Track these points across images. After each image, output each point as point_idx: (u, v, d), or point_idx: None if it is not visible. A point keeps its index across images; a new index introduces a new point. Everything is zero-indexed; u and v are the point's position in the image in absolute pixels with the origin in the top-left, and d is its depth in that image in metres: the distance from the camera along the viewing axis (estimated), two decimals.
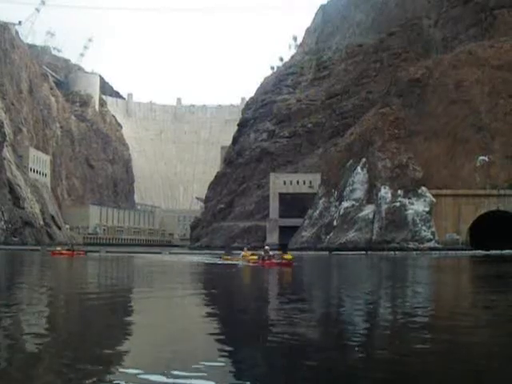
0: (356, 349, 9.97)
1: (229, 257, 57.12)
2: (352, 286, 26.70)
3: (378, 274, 40.51)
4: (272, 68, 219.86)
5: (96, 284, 26.45)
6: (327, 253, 77.28)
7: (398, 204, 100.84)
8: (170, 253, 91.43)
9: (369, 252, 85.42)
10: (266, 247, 43.35)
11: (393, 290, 23.53)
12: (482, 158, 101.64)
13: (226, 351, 9.84)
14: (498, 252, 79.18)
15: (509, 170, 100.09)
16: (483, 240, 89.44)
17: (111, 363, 8.65)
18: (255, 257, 48.89)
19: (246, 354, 9.90)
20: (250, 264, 44.21)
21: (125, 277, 33.45)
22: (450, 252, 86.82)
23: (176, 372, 7.92)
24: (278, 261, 42.26)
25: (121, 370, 8.17)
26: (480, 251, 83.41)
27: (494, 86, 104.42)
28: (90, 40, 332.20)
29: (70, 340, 11.01)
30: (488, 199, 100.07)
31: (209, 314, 14.69)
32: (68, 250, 66.72)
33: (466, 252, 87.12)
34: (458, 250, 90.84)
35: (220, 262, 50.64)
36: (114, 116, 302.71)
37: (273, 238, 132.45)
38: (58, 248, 74.87)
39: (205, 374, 7.85)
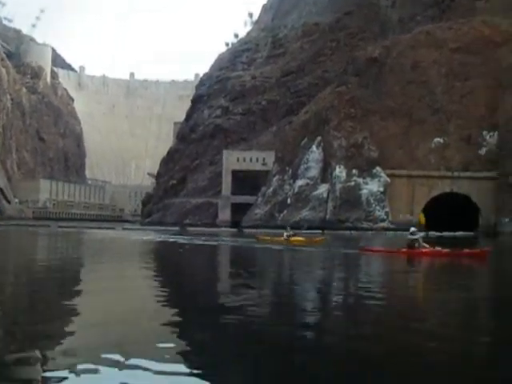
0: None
1: (267, 237, 47.93)
2: None
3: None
4: (227, 44, 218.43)
5: (52, 261, 25.23)
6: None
7: (352, 183, 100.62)
8: (124, 228, 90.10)
9: (325, 231, 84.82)
10: (413, 229, 29.58)
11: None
12: (437, 139, 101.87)
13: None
14: (451, 233, 79.38)
15: (463, 153, 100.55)
16: (436, 221, 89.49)
17: (57, 342, 8.10)
18: (301, 238, 44.84)
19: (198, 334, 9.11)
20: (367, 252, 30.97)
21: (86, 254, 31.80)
22: (404, 233, 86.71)
23: (125, 351, 7.42)
24: (454, 251, 28.71)
25: (67, 348, 7.70)
26: (434, 232, 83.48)
27: (451, 68, 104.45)
28: (42, 11, 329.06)
29: (15, 316, 10.37)
30: (442, 181, 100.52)
31: None
32: None
33: (420, 233, 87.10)
34: None
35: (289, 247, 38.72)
36: (65, 89, 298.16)
37: (225, 215, 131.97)
38: None
39: (155, 353, 7.36)
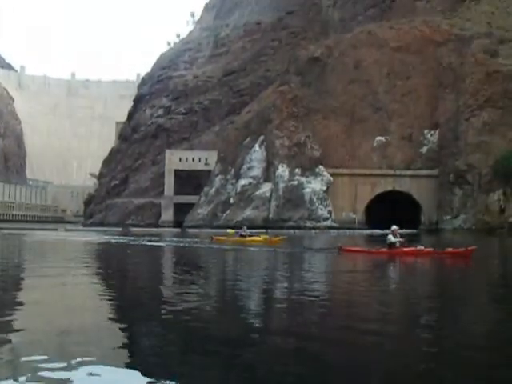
0: None
1: (223, 237, 45.11)
2: None
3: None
4: (169, 44, 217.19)
5: None
6: (228, 231, 75.89)
7: (295, 183, 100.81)
8: (66, 229, 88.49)
9: (269, 230, 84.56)
10: (394, 227, 28.11)
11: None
12: (379, 138, 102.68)
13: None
14: None
15: (404, 151, 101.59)
16: (379, 219, 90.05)
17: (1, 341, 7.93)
18: (259, 238, 43.21)
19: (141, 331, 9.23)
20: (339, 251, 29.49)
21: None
22: (348, 231, 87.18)
23: (68, 349, 7.54)
24: (436, 250, 27.24)
25: (11, 347, 7.65)
26: (377, 230, 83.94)
27: (392, 67, 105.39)
28: None
29: None
30: (384, 179, 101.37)
31: None
32: None
33: (364, 231, 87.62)
34: (354, 229, 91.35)
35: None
36: (5, 89, 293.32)
37: (168, 215, 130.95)
38: None
39: (97, 352, 7.39)
